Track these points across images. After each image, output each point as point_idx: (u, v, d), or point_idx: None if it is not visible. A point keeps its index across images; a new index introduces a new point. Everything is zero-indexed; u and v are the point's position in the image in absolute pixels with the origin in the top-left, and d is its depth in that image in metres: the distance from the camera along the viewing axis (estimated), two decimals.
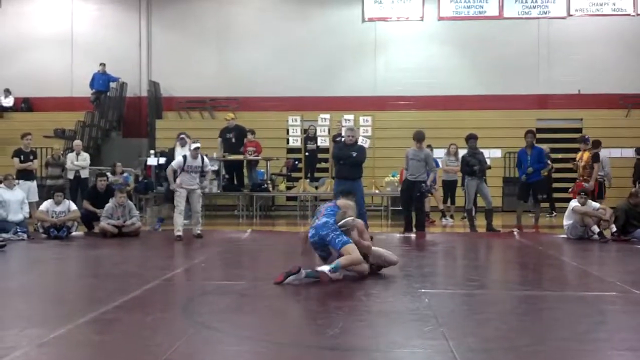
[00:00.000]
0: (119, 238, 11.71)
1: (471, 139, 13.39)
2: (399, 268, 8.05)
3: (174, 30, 21.85)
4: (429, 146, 16.26)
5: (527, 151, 13.32)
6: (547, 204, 16.41)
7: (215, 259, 9.99)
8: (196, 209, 11.97)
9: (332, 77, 21.09)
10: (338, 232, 7.49)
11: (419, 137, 12.88)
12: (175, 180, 11.75)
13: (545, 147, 14.56)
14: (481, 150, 13.60)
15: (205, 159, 12.28)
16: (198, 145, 12.07)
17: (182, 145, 13.24)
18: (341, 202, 8.02)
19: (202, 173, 12.09)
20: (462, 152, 14.29)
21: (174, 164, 11.89)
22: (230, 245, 11.30)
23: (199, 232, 11.88)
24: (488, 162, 14.23)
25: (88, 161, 15.62)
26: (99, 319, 5.69)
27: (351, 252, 7.35)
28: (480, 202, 13.71)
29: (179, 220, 11.70)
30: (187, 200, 11.86)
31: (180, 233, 11.58)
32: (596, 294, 7.10)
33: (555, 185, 18.14)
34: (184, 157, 11.86)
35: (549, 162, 15.60)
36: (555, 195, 17.24)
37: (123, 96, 21.84)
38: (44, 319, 5.93)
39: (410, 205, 12.96)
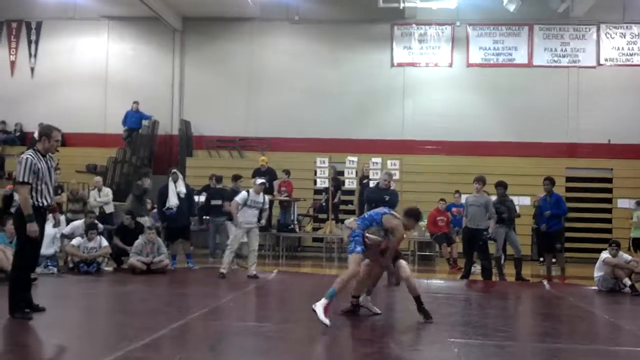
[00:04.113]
0: (146, 275, 11.78)
1: (500, 186, 13.32)
2: None
3: (206, 71, 22.20)
4: (457, 191, 16.34)
5: (547, 198, 13.27)
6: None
7: (242, 299, 9.99)
8: (254, 247, 11.99)
9: (360, 120, 21.19)
10: (353, 242, 7.63)
11: (479, 180, 12.82)
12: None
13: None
14: (510, 197, 13.53)
15: (266, 196, 12.39)
16: (264, 180, 12.26)
17: (175, 181, 13.43)
18: (387, 218, 7.82)
19: (261, 210, 12.14)
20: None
21: (238, 198, 11.92)
22: (257, 286, 11.28)
23: (254, 272, 11.87)
24: (517, 209, 14.11)
25: (110, 196, 15.70)
26: (127, 357, 5.71)
27: (349, 264, 7.53)
28: (510, 251, 13.59)
29: (227, 259, 11.80)
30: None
31: (225, 272, 11.64)
32: (628, 349, 6.98)
33: (587, 235, 18.00)
34: (247, 191, 12.00)
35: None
36: (588, 245, 17.09)
37: (155, 134, 22.11)
38: (74, 355, 5.99)
39: (471, 254, 12.91)
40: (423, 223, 16.35)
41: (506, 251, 13.93)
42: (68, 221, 13.81)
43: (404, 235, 7.92)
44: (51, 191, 7.58)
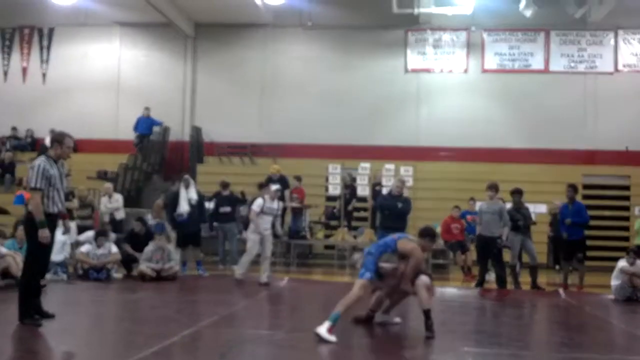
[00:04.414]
0: (156, 282, 11.69)
1: (516, 193, 13.13)
2: (442, 324, 7.81)
3: (218, 77, 22.17)
4: (471, 198, 16.14)
5: (569, 206, 13.07)
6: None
7: (252, 306, 9.90)
8: (267, 255, 11.91)
9: (373, 127, 21.05)
10: (364, 267, 7.42)
11: (492, 187, 12.59)
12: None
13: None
14: (526, 205, 13.32)
15: (280, 203, 12.30)
16: (279, 187, 12.14)
17: (187, 187, 13.33)
18: (402, 242, 7.56)
19: (275, 216, 12.06)
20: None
21: (255, 207, 11.79)
22: (269, 293, 11.17)
23: (266, 280, 11.77)
24: (533, 217, 13.90)
25: (121, 202, 15.62)
26: None
27: (354, 287, 7.29)
28: (526, 259, 13.37)
29: (246, 265, 11.68)
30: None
31: (241, 277, 11.57)
32: None
33: (604, 243, 17.76)
34: (263, 198, 11.86)
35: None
36: (605, 253, 16.86)
37: (166, 140, 22.11)
38: None
39: (485, 262, 12.76)
40: (437, 230, 16.17)
41: (522, 259, 13.72)
42: (78, 228, 13.73)
43: (423, 257, 7.64)
44: (62, 198, 7.55)
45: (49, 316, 7.43)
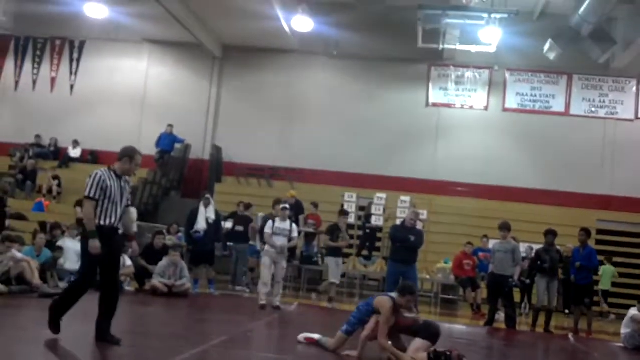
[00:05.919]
0: (168, 297, 11.77)
1: (550, 234, 13.01)
2: None
3: (241, 99, 22.42)
4: (485, 236, 16.14)
5: (580, 250, 13.03)
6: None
7: (261, 329, 9.93)
8: (279, 279, 11.77)
9: (391, 157, 21.18)
10: (347, 321, 7.65)
11: (505, 227, 12.61)
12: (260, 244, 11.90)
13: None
14: (557, 247, 13.19)
15: (294, 225, 12.08)
16: (287, 205, 12.06)
17: (206, 206, 13.44)
18: (378, 299, 7.52)
19: (289, 239, 11.78)
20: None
21: (266, 228, 11.67)
22: (278, 317, 11.21)
23: (278, 303, 11.72)
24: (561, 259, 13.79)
25: (135, 216, 15.72)
26: None
27: (335, 338, 7.66)
28: (535, 300, 13.30)
29: (263, 290, 11.51)
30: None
31: (264, 302, 11.44)
32: None
33: (616, 290, 17.64)
34: (273, 220, 11.74)
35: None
36: (616, 300, 16.73)
37: (186, 157, 22.35)
38: None
39: (496, 301, 12.72)
40: (448, 265, 16.18)
41: (531, 300, 13.68)
42: None
43: (389, 310, 7.27)
44: (119, 213, 7.33)
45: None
